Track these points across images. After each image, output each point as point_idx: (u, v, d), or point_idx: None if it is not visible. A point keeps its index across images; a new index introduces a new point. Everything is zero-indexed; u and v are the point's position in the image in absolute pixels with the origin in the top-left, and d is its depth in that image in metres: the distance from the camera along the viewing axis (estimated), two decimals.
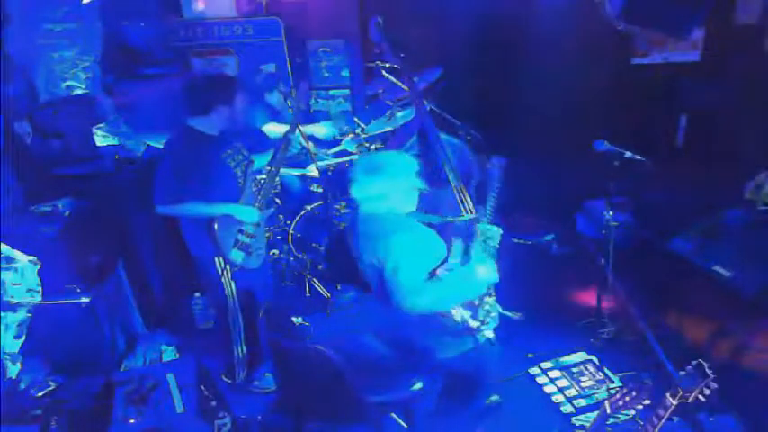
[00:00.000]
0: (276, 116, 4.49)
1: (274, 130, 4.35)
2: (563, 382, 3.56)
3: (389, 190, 2.67)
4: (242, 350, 3.51)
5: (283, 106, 4.44)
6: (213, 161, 3.16)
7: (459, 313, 2.67)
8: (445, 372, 2.84)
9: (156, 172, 3.13)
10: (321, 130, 4.72)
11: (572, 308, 4.06)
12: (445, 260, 2.70)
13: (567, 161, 4.88)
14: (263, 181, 3.47)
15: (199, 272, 3.52)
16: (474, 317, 2.69)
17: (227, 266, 3.30)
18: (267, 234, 4.41)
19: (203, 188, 3.11)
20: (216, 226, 3.15)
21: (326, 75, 5.70)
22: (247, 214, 3.26)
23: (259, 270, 3.42)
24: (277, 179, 4.53)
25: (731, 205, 4.33)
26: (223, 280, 3.32)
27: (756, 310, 3.57)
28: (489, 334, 2.79)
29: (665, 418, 2.00)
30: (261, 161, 3.53)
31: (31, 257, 3.24)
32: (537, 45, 5.32)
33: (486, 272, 2.69)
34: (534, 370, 3.67)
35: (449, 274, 2.67)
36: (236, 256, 3.26)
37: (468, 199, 3.69)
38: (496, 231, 2.81)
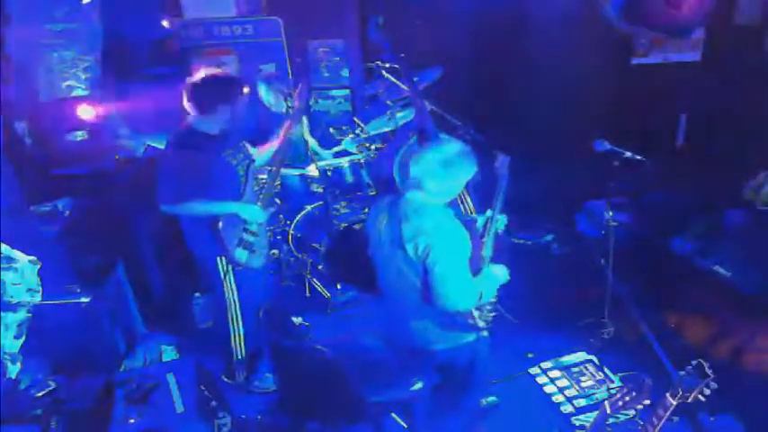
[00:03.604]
0: (270, 114, 4.47)
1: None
2: (563, 382, 3.56)
3: (460, 184, 2.63)
4: (242, 351, 3.51)
5: (278, 104, 4.42)
6: (214, 160, 3.15)
7: (474, 313, 2.68)
8: (440, 364, 2.83)
9: (159, 171, 3.12)
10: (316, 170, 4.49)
11: (572, 308, 4.06)
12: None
13: (567, 161, 4.87)
14: (264, 180, 3.46)
15: (200, 271, 3.51)
16: (481, 317, 2.70)
17: (230, 266, 3.30)
18: (268, 233, 4.41)
19: (205, 187, 3.10)
20: (221, 225, 3.15)
21: (326, 75, 5.70)
22: (254, 213, 3.26)
23: (260, 270, 3.42)
24: (278, 179, 4.53)
25: (731, 205, 4.33)
26: (225, 280, 3.32)
27: (756, 310, 3.57)
28: (486, 333, 2.80)
29: (665, 418, 2.00)
30: (261, 159, 3.52)
31: (31, 257, 3.24)
32: (537, 45, 5.32)
33: (503, 272, 2.73)
34: (534, 370, 3.67)
35: (482, 275, 2.67)
36: (241, 255, 3.25)
37: (469, 199, 3.69)
38: (503, 219, 2.91)
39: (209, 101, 3.10)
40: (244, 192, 3.27)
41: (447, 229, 2.56)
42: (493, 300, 2.76)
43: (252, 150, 3.43)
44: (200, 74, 3.14)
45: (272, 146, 3.53)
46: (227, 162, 3.21)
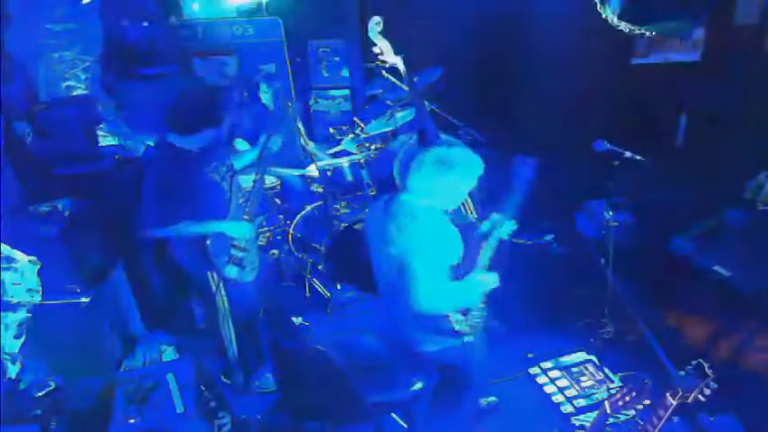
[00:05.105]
0: (268, 114, 4.47)
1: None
2: (563, 382, 3.56)
3: (454, 187, 2.60)
4: (236, 356, 3.51)
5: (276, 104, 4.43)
6: (197, 179, 3.08)
7: (454, 317, 2.66)
8: (435, 365, 2.83)
9: (142, 195, 3.05)
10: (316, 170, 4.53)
11: (572, 308, 4.06)
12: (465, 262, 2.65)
13: (567, 161, 4.87)
14: (249, 190, 3.38)
15: (192, 285, 3.48)
16: (465, 322, 2.68)
17: (221, 282, 3.25)
18: (268, 235, 4.41)
19: (191, 206, 3.02)
20: (208, 243, 3.09)
21: (326, 75, 5.70)
22: (239, 230, 3.20)
23: (252, 282, 3.38)
24: (272, 181, 4.52)
25: (731, 205, 4.33)
26: (217, 295, 3.29)
27: (756, 310, 3.57)
28: (470, 339, 2.76)
29: (665, 418, 2.00)
30: (240, 163, 3.48)
31: (31, 257, 3.24)
32: (537, 45, 5.32)
33: (491, 280, 2.68)
34: (534, 370, 3.67)
35: (464, 280, 2.63)
36: (231, 271, 3.21)
37: (469, 200, 3.69)
38: (510, 225, 2.84)
39: (193, 124, 3.02)
40: (229, 206, 3.21)
41: (430, 231, 2.54)
42: (481, 305, 2.72)
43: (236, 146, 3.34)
44: (184, 95, 3.07)
45: (253, 150, 3.48)
46: (210, 179, 3.14)
